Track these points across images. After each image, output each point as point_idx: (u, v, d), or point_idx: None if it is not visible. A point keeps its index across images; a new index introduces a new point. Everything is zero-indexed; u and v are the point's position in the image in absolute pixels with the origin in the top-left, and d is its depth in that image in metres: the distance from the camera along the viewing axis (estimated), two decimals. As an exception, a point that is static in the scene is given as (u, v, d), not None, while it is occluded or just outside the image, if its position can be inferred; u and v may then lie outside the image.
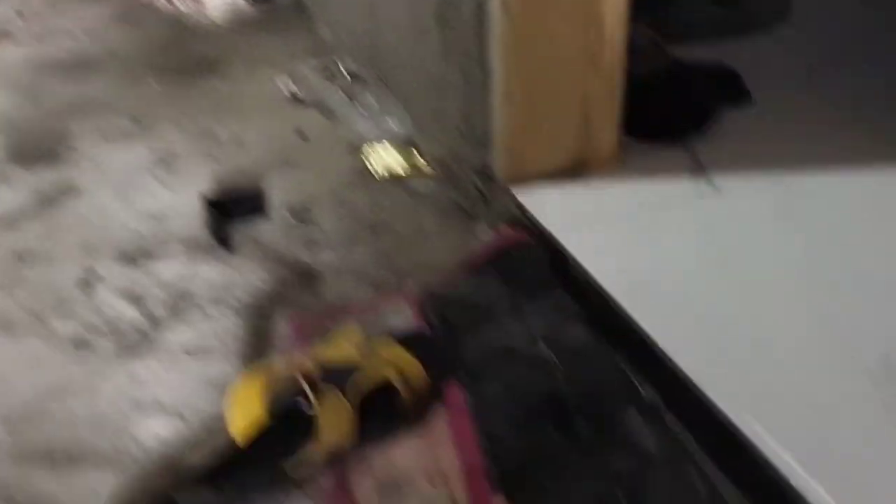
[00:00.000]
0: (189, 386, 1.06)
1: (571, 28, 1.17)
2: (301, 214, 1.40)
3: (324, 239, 1.34)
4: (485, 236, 1.28)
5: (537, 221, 1.19)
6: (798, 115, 1.42)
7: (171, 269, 1.29)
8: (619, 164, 1.28)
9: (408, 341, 1.01)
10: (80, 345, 1.14)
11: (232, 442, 0.93)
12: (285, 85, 1.79)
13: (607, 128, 1.27)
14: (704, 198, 1.22)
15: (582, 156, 1.26)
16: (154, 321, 1.18)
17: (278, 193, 1.46)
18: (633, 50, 1.24)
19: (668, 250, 1.13)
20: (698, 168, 1.25)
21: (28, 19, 2.31)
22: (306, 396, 0.90)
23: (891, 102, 1.46)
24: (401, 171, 1.47)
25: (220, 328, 1.16)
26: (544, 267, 1.17)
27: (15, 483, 0.94)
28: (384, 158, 1.50)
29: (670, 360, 0.95)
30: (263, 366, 1.02)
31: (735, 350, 0.96)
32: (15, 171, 1.58)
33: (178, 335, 1.15)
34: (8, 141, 1.69)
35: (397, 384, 0.94)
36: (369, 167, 1.50)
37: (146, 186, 1.51)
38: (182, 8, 2.31)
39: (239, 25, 2.22)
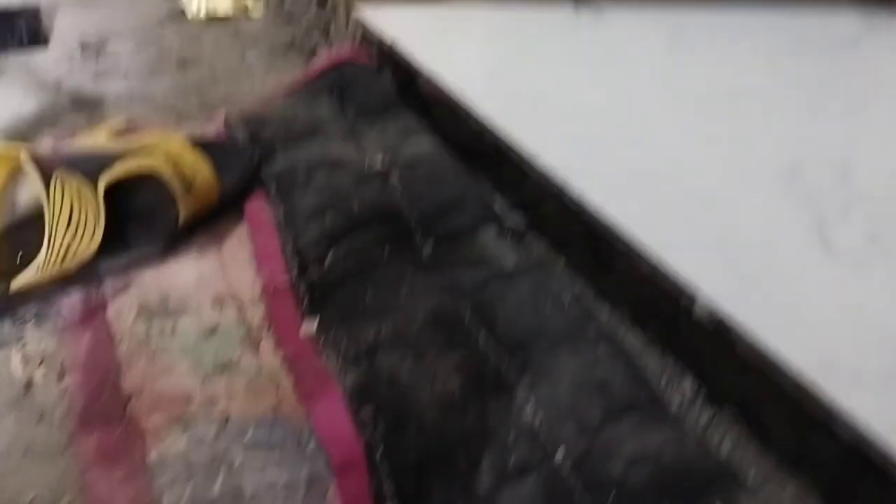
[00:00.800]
0: None
1: None
2: (92, 46, 1.11)
3: (117, 70, 1.05)
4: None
5: (382, 36, 0.96)
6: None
7: None
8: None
9: (196, 142, 0.75)
10: None
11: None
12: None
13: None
14: (586, 24, 1.03)
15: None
16: None
17: (70, 26, 1.16)
18: None
19: (542, 70, 0.92)
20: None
21: None
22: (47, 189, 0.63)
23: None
24: (223, 13, 1.21)
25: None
26: (388, 87, 0.94)
27: None
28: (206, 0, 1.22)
29: (537, 170, 0.74)
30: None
31: (615, 160, 0.76)
32: None
33: None
34: None
35: (167, 179, 0.68)
36: (185, 7, 1.22)
37: None
38: None
39: None
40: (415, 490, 0.50)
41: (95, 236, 0.64)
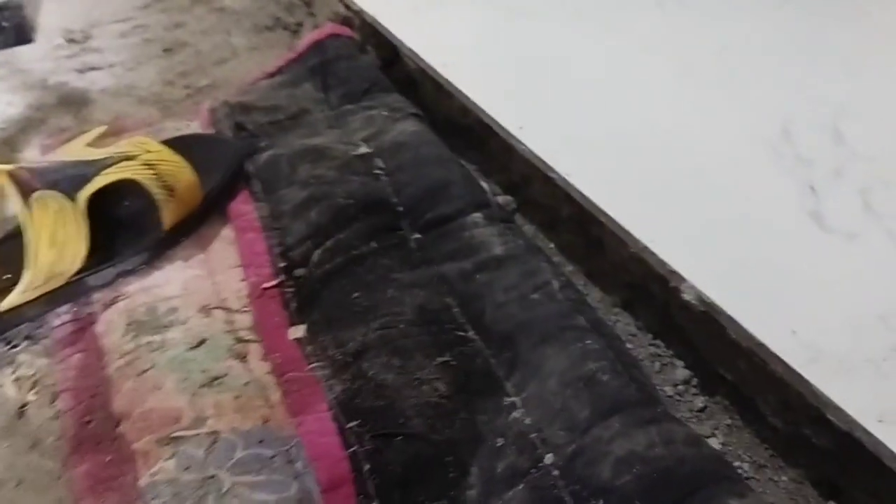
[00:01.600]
0: None
1: None
2: (76, 38, 1.07)
3: (101, 62, 1.02)
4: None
5: (364, 11, 0.91)
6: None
7: None
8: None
9: (176, 142, 0.73)
10: None
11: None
12: None
13: None
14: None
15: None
16: None
17: (52, 18, 1.12)
18: None
19: (522, 35, 0.88)
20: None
21: None
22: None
23: None
24: (209, -11, 1.16)
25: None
26: (372, 65, 0.90)
27: None
28: (189, -24, 1.18)
29: (525, 149, 0.71)
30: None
31: (603, 136, 0.72)
32: None
33: None
34: None
35: (148, 186, 0.65)
36: (170, -13, 1.18)
37: None
38: None
39: None
40: (403, 504, 0.49)
41: (79, 254, 0.62)
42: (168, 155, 0.68)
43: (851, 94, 0.75)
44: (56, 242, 0.61)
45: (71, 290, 0.64)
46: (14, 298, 0.61)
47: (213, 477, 0.51)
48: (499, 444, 0.51)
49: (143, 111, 0.91)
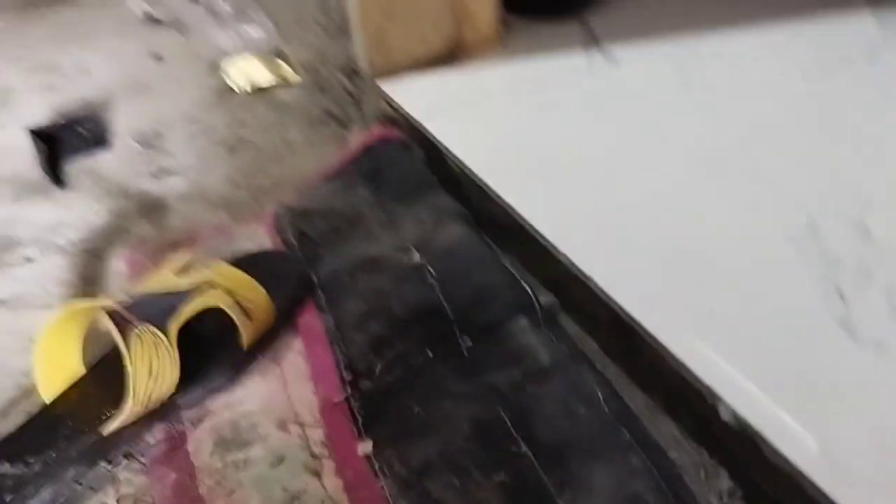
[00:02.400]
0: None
1: None
2: (149, 141, 1.15)
3: (174, 165, 1.09)
4: (356, 142, 1.06)
5: (407, 113, 0.97)
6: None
7: (-8, 214, 1.04)
8: (499, 44, 1.06)
9: (248, 262, 0.79)
10: None
11: (40, 403, 0.71)
12: (138, 5, 1.50)
13: (484, 4, 1.04)
14: (599, 72, 1.01)
15: (457, 39, 1.04)
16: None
17: (126, 121, 1.20)
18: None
19: (557, 132, 0.92)
20: (591, 40, 1.04)
21: None
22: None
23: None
24: (265, 83, 1.23)
25: (40, 272, 0.92)
26: (419, 165, 0.95)
27: None
28: (246, 71, 1.25)
29: (563, 255, 0.75)
30: (75, 307, 0.78)
31: (636, 239, 0.76)
32: None
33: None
34: None
35: (230, 312, 0.71)
36: (230, 83, 1.25)
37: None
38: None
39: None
40: None
41: (173, 380, 0.69)
42: (245, 282, 0.74)
43: (878, 184, 0.77)
44: (153, 372, 0.68)
45: (164, 409, 0.70)
46: (117, 422, 0.67)
47: None
48: (553, 563, 0.55)
49: (214, 216, 0.98)
